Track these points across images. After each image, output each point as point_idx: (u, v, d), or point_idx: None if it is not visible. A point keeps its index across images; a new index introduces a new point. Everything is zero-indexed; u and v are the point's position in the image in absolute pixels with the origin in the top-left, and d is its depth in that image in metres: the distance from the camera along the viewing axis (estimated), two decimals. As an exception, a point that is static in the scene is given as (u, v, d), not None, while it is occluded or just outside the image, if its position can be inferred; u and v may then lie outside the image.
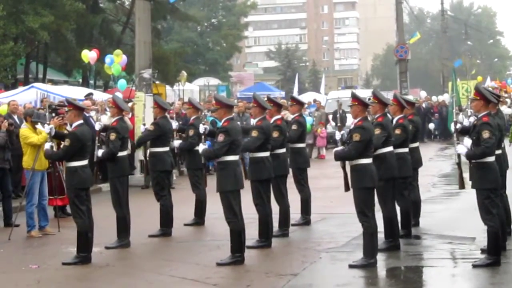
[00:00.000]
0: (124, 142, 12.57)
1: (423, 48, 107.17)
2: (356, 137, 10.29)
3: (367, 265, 10.27)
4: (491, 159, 10.10)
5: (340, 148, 10.55)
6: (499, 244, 10.12)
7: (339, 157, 10.51)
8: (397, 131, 11.92)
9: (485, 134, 9.98)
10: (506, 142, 12.11)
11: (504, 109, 26.08)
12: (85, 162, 11.32)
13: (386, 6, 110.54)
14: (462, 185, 11.03)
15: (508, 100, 34.78)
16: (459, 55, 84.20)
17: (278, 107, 13.02)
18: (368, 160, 10.39)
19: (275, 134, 12.46)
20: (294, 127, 13.52)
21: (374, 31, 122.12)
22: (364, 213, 10.34)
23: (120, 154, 12.42)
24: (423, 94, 44.82)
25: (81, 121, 11.47)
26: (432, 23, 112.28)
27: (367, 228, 10.36)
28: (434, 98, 41.71)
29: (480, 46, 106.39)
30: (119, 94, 20.14)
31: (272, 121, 12.56)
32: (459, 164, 10.66)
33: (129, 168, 13.23)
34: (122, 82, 27.41)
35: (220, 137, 10.75)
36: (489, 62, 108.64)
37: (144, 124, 14.02)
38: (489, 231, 10.04)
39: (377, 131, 10.93)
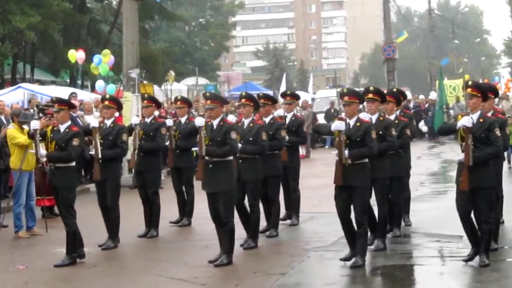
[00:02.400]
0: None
1: (411, 47, 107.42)
2: (374, 134, 10.24)
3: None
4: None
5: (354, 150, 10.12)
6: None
7: (359, 157, 10.15)
8: (408, 131, 11.90)
9: (497, 132, 9.79)
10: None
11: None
12: (74, 163, 11.27)
13: (373, 5, 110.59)
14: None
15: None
16: (446, 54, 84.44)
17: (274, 103, 13.01)
18: (367, 159, 10.35)
19: (283, 133, 12.46)
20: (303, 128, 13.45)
21: (362, 30, 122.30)
22: (366, 212, 10.35)
23: None
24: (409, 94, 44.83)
25: (69, 121, 11.41)
26: (419, 22, 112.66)
27: (366, 228, 10.35)
28: (421, 97, 41.77)
29: (467, 45, 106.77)
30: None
31: (269, 119, 12.55)
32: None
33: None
34: (111, 87, 27.07)
35: (233, 134, 10.65)
36: (476, 61, 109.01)
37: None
38: (490, 229, 10.00)
39: (374, 133, 10.41)
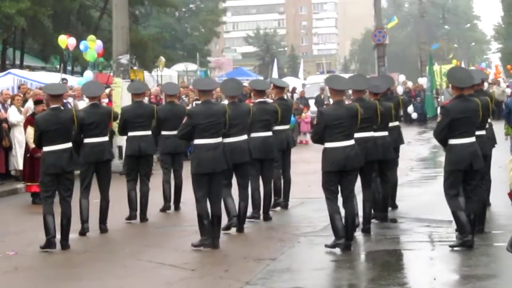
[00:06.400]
0: (90, 128, 12.33)
1: (401, 33, 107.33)
2: (314, 120, 10.50)
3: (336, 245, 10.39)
4: (452, 141, 10.18)
5: None
6: (463, 223, 10.16)
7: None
8: None
9: (438, 118, 10.35)
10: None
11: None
12: (51, 148, 11.19)
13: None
14: None
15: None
16: (436, 39, 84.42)
17: (256, 92, 13.02)
18: (332, 144, 10.35)
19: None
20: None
21: (352, 15, 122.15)
22: (326, 196, 10.48)
23: (87, 140, 12.33)
24: (401, 78, 44.75)
25: (55, 106, 11.35)
26: (409, 8, 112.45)
27: (328, 211, 10.48)
28: (410, 83, 41.75)
29: (457, 30, 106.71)
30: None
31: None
32: None
33: (97, 155, 12.51)
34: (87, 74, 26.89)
35: (183, 120, 10.99)
36: (466, 46, 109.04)
37: None
38: (451, 212, 10.29)
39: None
